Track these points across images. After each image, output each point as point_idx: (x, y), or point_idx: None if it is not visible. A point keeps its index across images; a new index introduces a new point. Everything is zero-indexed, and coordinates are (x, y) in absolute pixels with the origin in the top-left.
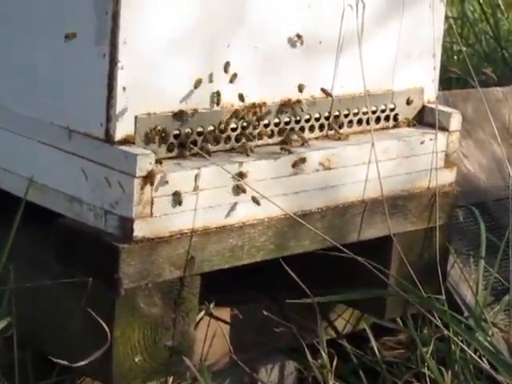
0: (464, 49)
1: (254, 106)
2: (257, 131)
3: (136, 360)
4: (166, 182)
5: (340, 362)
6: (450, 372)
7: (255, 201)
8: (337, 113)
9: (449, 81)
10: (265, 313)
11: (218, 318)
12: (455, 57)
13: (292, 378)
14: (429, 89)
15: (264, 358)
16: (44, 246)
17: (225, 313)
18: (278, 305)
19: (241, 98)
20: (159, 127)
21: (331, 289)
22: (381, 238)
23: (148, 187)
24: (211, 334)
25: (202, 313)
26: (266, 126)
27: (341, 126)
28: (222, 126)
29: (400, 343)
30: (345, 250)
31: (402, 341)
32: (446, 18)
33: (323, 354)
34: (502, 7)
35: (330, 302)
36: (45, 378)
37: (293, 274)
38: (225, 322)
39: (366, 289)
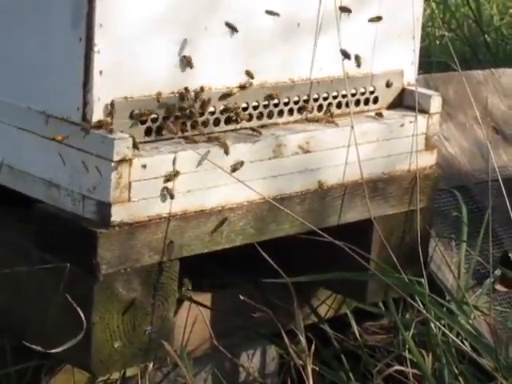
0: (446, 33)
1: (231, 89)
2: (235, 115)
3: (115, 346)
4: (144, 167)
5: (323, 347)
6: (430, 355)
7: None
8: (316, 96)
9: (430, 65)
10: (241, 297)
11: (198, 303)
12: (437, 41)
13: (274, 364)
14: (409, 71)
15: (245, 344)
16: (22, 232)
17: (205, 298)
18: (259, 290)
19: (249, 75)
20: (136, 111)
21: (313, 273)
22: (362, 222)
23: (125, 172)
24: (192, 320)
25: (182, 297)
26: (245, 109)
27: (320, 109)
28: (200, 109)
29: (382, 328)
30: (323, 233)
31: (385, 325)
32: (428, 1)
33: (301, 338)
34: None
35: (312, 287)
36: (23, 364)
37: (268, 258)
38: (205, 307)
39: (348, 273)
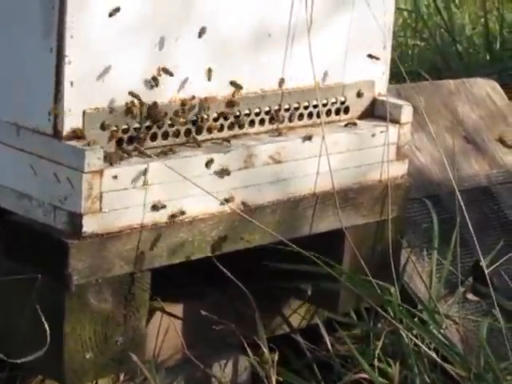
0: (418, 42)
1: (203, 99)
2: (206, 125)
3: (87, 356)
4: (115, 177)
5: (295, 357)
6: (397, 364)
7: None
8: (287, 106)
9: (401, 74)
10: (203, 313)
11: (170, 314)
12: (409, 51)
13: (246, 374)
14: (380, 81)
15: (217, 354)
16: None
17: (178, 308)
18: (229, 300)
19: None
20: (108, 122)
21: (285, 282)
22: (333, 232)
23: (97, 182)
24: (163, 330)
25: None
26: (216, 119)
27: (291, 120)
28: (172, 120)
29: (355, 337)
30: (292, 245)
31: (357, 335)
32: (399, 10)
33: (264, 349)
34: (456, 0)
35: (285, 296)
36: None
37: (226, 272)
38: (177, 317)
39: (320, 283)
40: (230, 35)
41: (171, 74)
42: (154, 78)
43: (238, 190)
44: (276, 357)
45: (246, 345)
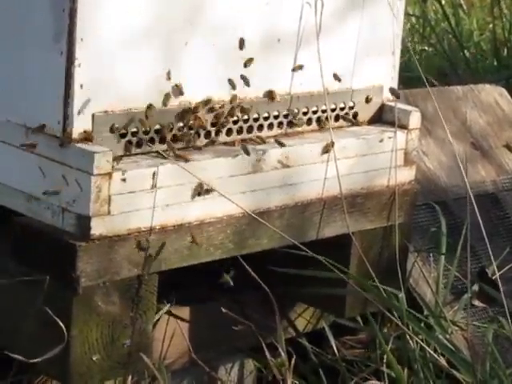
0: (425, 48)
1: (212, 103)
2: (214, 129)
3: (94, 359)
4: (124, 180)
5: (301, 361)
6: (405, 369)
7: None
8: (295, 111)
9: (409, 80)
10: (223, 310)
11: (177, 317)
12: (417, 56)
13: (252, 377)
14: (388, 87)
15: (224, 357)
16: (1, 245)
17: (184, 312)
18: (238, 304)
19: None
20: (117, 125)
21: (293, 288)
22: (340, 236)
23: (105, 185)
24: (170, 333)
25: (161, 311)
26: (224, 124)
27: (300, 124)
28: (180, 123)
29: (360, 342)
30: (303, 248)
31: (362, 340)
32: (408, 16)
33: (282, 353)
34: (464, 6)
35: (291, 301)
36: (1, 379)
37: (251, 271)
38: (184, 320)
39: (326, 287)
40: (239, 40)
41: (174, 80)
42: (163, 82)
43: (246, 193)
44: (293, 360)
45: (264, 348)
